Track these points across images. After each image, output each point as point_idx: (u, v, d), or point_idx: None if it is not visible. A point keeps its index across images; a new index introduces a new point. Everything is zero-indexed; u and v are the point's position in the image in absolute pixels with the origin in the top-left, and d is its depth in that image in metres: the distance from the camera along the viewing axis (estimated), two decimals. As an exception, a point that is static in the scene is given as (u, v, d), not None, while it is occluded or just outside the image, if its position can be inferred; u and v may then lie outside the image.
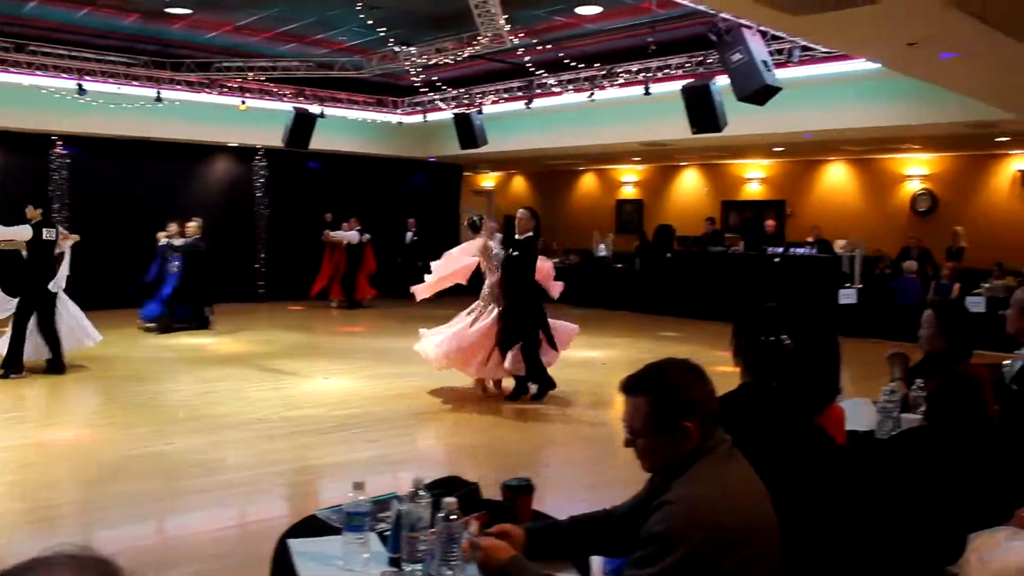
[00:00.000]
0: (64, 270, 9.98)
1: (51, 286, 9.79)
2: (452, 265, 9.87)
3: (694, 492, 2.11)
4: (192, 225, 13.77)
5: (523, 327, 8.96)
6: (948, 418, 3.64)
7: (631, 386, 2.25)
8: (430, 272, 10.12)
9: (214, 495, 5.74)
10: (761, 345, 2.96)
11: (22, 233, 9.71)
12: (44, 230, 9.80)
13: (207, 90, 15.09)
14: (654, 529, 2.07)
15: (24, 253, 9.77)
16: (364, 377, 10.05)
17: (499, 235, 9.64)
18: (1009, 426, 3.88)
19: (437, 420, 8.28)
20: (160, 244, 13.78)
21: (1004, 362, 4.49)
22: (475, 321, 9.16)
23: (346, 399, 8.84)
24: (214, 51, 14.36)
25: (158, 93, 14.34)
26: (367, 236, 17.66)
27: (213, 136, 16.85)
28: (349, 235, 17.43)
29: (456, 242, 21.96)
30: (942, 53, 7.95)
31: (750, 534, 2.10)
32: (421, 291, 9.80)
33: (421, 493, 2.34)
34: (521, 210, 9.43)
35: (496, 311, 9.05)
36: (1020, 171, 15.36)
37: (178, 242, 13.66)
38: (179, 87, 14.77)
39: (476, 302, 9.42)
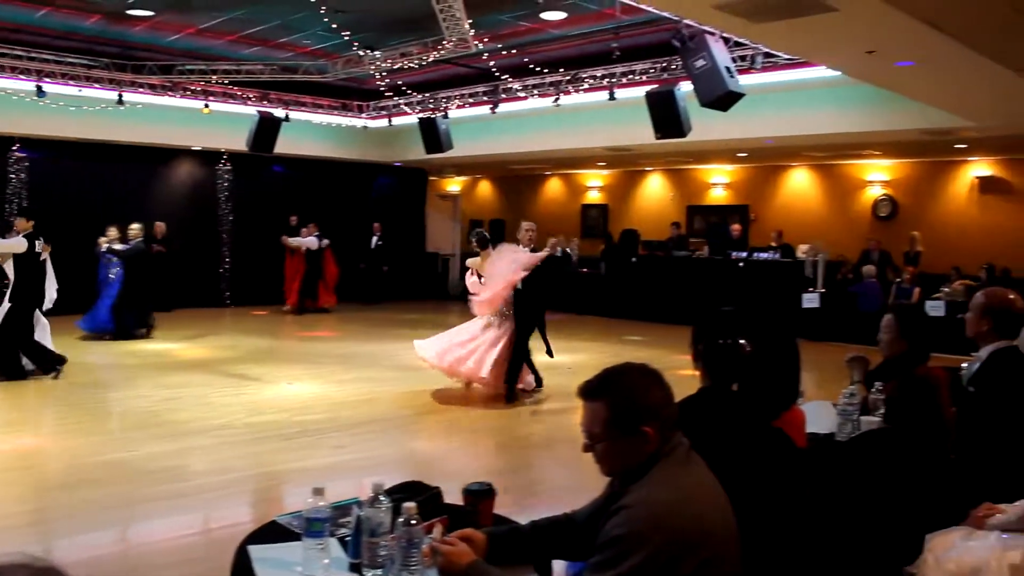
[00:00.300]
0: (52, 283, 9.87)
1: (48, 303, 9.83)
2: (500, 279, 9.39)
3: (652, 496, 2.12)
4: (135, 228, 13.27)
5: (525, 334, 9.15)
6: (905, 420, 3.70)
7: (589, 391, 2.26)
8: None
9: (177, 502, 5.68)
10: (720, 349, 2.99)
11: (18, 245, 9.61)
12: (36, 242, 9.73)
13: (170, 93, 14.96)
14: (612, 533, 2.08)
15: (8, 266, 9.62)
16: (329, 382, 10.00)
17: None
18: (966, 428, 3.94)
19: (402, 425, 8.26)
20: (100, 250, 13.19)
21: (962, 365, 4.55)
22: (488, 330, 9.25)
23: (310, 404, 8.79)
24: (176, 54, 14.23)
25: (120, 96, 14.21)
26: (326, 241, 17.43)
27: (176, 139, 16.69)
28: (307, 241, 17.19)
29: (421, 247, 22.01)
30: (899, 61, 8.07)
31: (708, 537, 2.11)
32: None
33: (381, 498, 2.33)
34: (530, 224, 9.84)
35: (510, 326, 9.14)
36: (978, 178, 15.60)
37: (119, 247, 13.08)
38: (141, 90, 14.63)
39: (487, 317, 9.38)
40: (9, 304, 9.63)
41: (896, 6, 6.10)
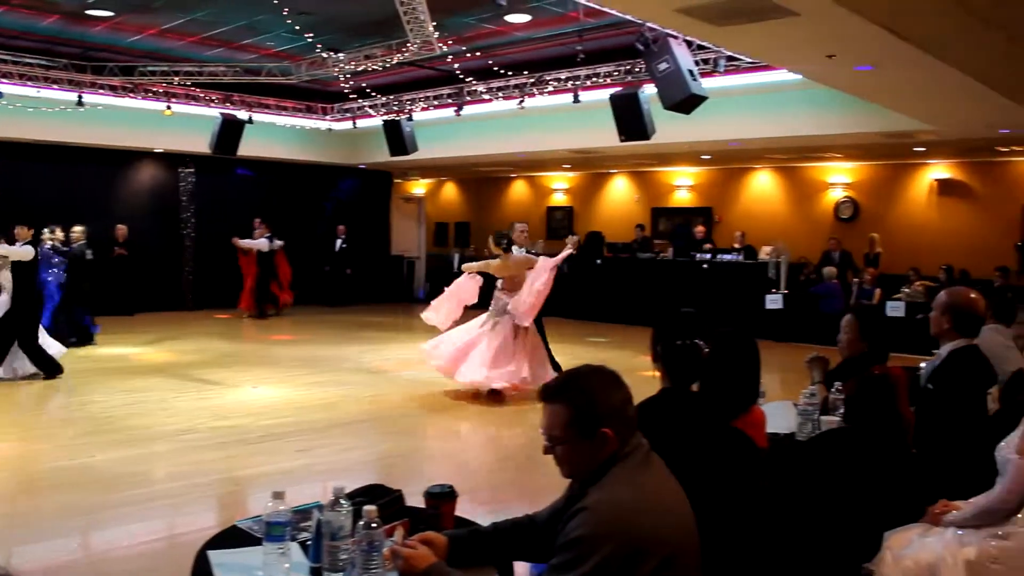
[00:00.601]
0: None
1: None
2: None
3: (610, 498, 2.13)
4: (77, 231, 12.92)
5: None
6: (864, 419, 3.74)
7: (549, 394, 2.27)
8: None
9: (138, 508, 5.61)
10: (678, 350, 3.00)
11: (26, 254, 9.71)
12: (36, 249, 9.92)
13: (131, 94, 14.78)
14: (571, 535, 2.09)
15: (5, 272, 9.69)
16: (293, 385, 9.92)
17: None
18: (924, 426, 4.00)
19: (366, 428, 8.22)
20: (44, 248, 12.17)
21: (921, 364, 4.62)
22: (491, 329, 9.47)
23: (275, 408, 8.72)
24: (138, 55, 14.08)
25: (79, 97, 14.00)
26: (279, 243, 17.07)
27: (138, 142, 16.50)
28: (258, 243, 16.79)
29: (386, 250, 21.94)
30: (858, 65, 8.17)
31: (667, 538, 2.13)
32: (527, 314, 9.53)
33: (342, 502, 2.32)
34: (523, 224, 10.20)
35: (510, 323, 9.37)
36: (937, 180, 15.82)
37: (62, 247, 12.54)
38: (101, 91, 14.43)
39: (486, 314, 9.66)
40: (8, 309, 9.70)
41: (855, 11, 6.18)
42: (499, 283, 9.75)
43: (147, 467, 6.55)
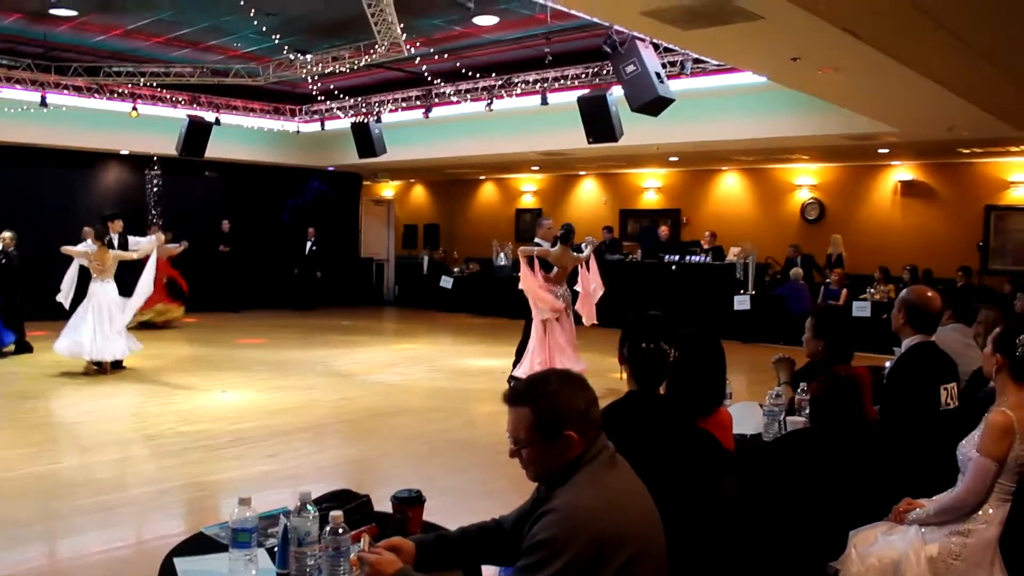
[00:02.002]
0: None
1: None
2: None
3: (576, 500, 2.15)
4: (7, 236, 12.27)
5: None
6: (829, 419, 3.78)
7: (514, 397, 2.28)
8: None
9: (105, 515, 5.55)
10: (644, 352, 3.02)
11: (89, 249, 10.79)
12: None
13: (96, 95, 14.63)
14: (538, 537, 2.10)
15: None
16: (262, 390, 9.85)
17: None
18: (886, 424, 4.05)
19: (335, 432, 8.19)
20: None
21: (886, 363, 4.68)
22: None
23: (243, 413, 8.67)
24: (103, 55, 13.93)
25: (43, 97, 13.84)
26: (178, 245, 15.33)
27: (103, 143, 16.35)
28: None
29: (356, 252, 21.86)
30: (822, 68, 8.26)
31: (632, 540, 2.14)
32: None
33: (308, 507, 2.32)
34: (550, 219, 10.31)
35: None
36: (901, 181, 16.02)
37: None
38: (66, 91, 14.28)
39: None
40: None
41: (818, 15, 6.25)
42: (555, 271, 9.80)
43: (113, 473, 6.49)
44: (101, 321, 10.51)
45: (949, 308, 5.38)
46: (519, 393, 2.27)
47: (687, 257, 16.00)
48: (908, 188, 15.98)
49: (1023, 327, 3.62)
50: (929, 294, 4.23)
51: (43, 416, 8.49)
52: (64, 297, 10.95)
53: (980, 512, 3.39)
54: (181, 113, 15.31)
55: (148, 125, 15.58)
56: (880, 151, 14.61)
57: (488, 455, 7.38)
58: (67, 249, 10.90)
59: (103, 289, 10.76)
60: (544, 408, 2.22)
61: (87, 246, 10.87)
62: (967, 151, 14.33)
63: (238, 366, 11.51)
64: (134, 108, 14.96)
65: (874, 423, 4.08)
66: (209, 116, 15.54)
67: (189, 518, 5.75)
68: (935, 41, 6.86)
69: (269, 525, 2.62)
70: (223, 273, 17.71)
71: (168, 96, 15.42)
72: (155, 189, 17.81)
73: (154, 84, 14.52)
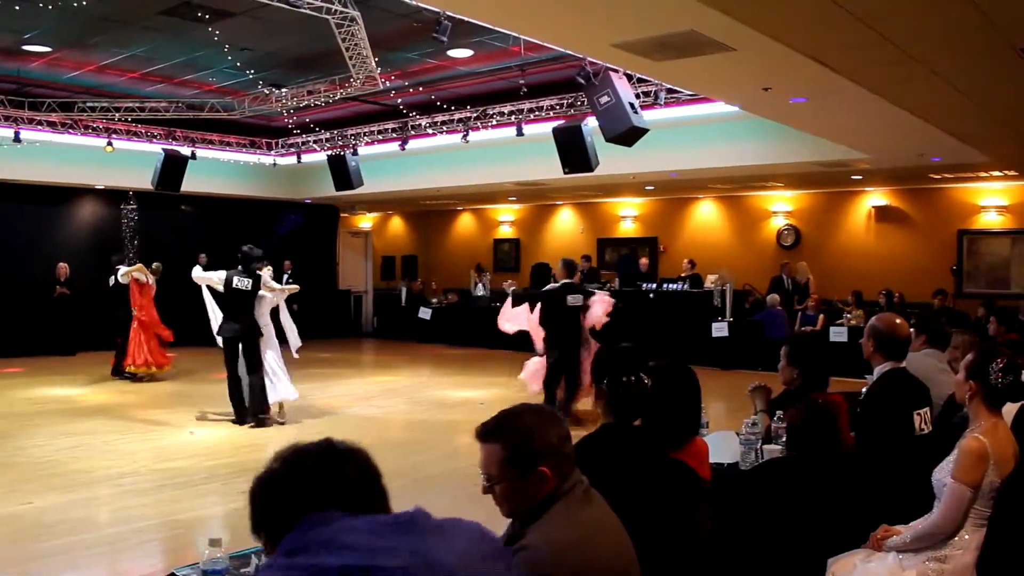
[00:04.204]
0: None
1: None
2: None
3: (550, 536, 2.14)
4: None
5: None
6: (806, 447, 3.79)
7: (486, 433, 2.27)
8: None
9: (76, 556, 5.47)
10: (625, 386, 3.02)
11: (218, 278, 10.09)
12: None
13: (70, 131, 14.58)
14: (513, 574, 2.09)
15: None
16: (239, 425, 9.73)
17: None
18: (862, 451, 4.06)
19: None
20: None
21: (862, 388, 4.70)
22: None
23: (219, 449, 8.58)
24: (77, 90, 13.89)
25: (16, 133, 13.77)
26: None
27: (78, 178, 16.26)
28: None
29: (333, 284, 21.79)
30: (793, 97, 8.35)
31: (607, 574, 2.14)
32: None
33: (281, 547, 2.28)
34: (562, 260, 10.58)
35: None
36: (875, 207, 16.17)
37: None
38: (40, 127, 14.23)
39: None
40: None
41: (790, 46, 6.33)
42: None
43: (86, 512, 6.39)
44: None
45: (923, 333, 5.42)
46: (490, 429, 2.26)
47: (665, 285, 16.05)
48: (882, 213, 16.14)
49: (995, 354, 3.66)
50: (897, 321, 4.26)
51: (17, 454, 8.36)
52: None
53: (956, 538, 3.41)
54: (156, 147, 15.26)
55: (123, 159, 15.53)
56: (853, 177, 14.75)
57: (468, 488, 7.32)
58: (278, 288, 10.41)
59: None
60: (516, 444, 2.21)
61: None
62: (939, 177, 14.50)
63: (214, 401, 11.35)
64: (109, 143, 14.91)
65: (851, 450, 4.09)
66: (185, 150, 15.50)
67: (164, 557, 5.68)
68: (905, 71, 6.96)
69: (240, 565, 2.59)
70: (201, 307, 17.55)
71: (143, 131, 15.39)
72: (131, 223, 17.70)
73: (129, 119, 14.49)
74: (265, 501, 1.75)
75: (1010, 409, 4.00)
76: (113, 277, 13.28)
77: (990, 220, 15.14)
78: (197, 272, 10.31)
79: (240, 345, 9.81)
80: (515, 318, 10.76)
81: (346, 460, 1.85)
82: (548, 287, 10.36)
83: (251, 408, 9.69)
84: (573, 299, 10.06)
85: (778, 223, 17.32)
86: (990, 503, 3.38)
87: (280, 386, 9.86)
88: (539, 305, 10.22)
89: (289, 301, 10.25)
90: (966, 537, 3.39)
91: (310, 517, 1.62)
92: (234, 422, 9.72)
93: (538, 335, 10.26)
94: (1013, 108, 8.64)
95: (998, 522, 3.35)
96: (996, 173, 13.95)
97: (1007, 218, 15.00)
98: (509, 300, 11.14)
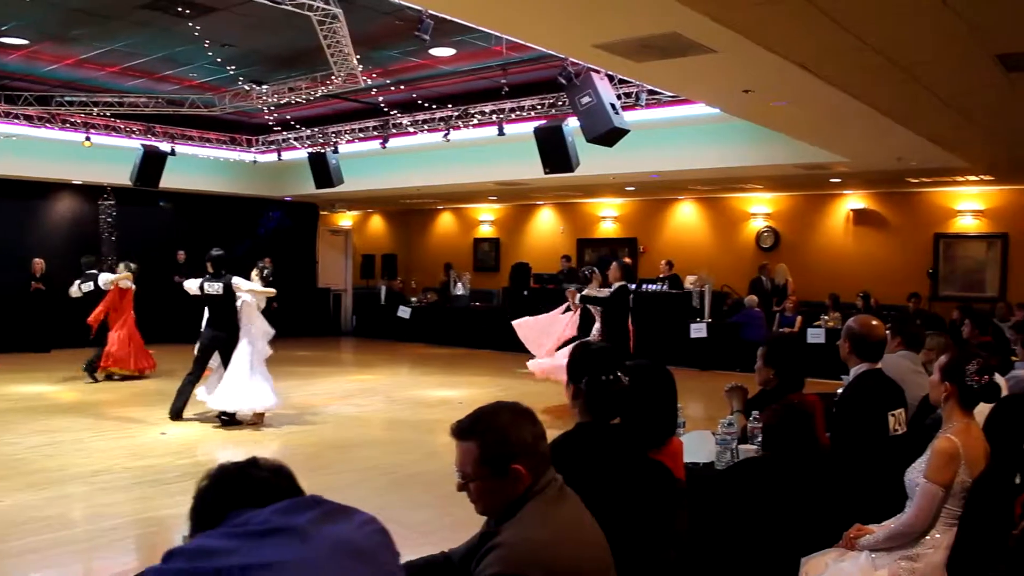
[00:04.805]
0: None
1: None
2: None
3: (524, 534, 2.14)
4: None
5: None
6: (780, 447, 3.82)
7: (461, 431, 2.28)
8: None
9: (49, 554, 5.42)
10: (605, 385, 3.02)
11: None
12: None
13: (48, 125, 14.46)
14: (485, 572, 2.09)
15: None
16: (216, 422, 9.67)
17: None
18: (837, 451, 4.10)
19: (291, 465, 7.91)
20: None
21: (838, 389, 4.74)
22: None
23: (195, 446, 8.55)
24: (55, 84, 13.77)
25: (-7, 127, 13.67)
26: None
27: (55, 173, 16.12)
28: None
29: (313, 282, 21.72)
30: (774, 100, 8.40)
31: (581, 573, 2.15)
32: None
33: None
34: (614, 263, 10.77)
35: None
36: (852, 210, 16.30)
37: None
38: (16, 121, 14.10)
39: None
40: None
41: (770, 50, 6.37)
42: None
43: (59, 510, 6.33)
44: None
45: (899, 336, 5.48)
46: (465, 427, 2.27)
47: (644, 286, 16.08)
48: (860, 216, 16.26)
49: (970, 356, 3.70)
50: (873, 323, 4.31)
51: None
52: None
53: (928, 537, 3.45)
54: (135, 143, 15.17)
55: (101, 155, 15.42)
56: (832, 180, 14.85)
57: (447, 487, 7.33)
58: (257, 290, 9.83)
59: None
60: (491, 442, 2.23)
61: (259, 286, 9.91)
62: (916, 180, 14.62)
63: (190, 399, 11.33)
64: (87, 138, 14.79)
65: (826, 450, 4.13)
66: (164, 146, 15.42)
67: (138, 555, 5.64)
68: (884, 76, 7.01)
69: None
70: (178, 304, 17.46)
71: (122, 126, 15.28)
72: (109, 219, 17.59)
73: (107, 114, 14.39)
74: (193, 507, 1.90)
75: (982, 410, 4.04)
76: (92, 283, 13.01)
77: (966, 224, 15.29)
78: (186, 284, 10.22)
79: (214, 351, 9.81)
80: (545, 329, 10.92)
81: (260, 467, 1.97)
82: (615, 287, 10.44)
83: (175, 403, 9.76)
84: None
85: (757, 225, 17.41)
86: (961, 503, 3.43)
87: (262, 393, 9.59)
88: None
89: (269, 299, 10.17)
90: (937, 536, 3.44)
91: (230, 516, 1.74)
92: (173, 417, 9.71)
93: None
94: (990, 114, 8.73)
95: (969, 521, 3.39)
96: (972, 178, 14.09)
97: (983, 222, 15.16)
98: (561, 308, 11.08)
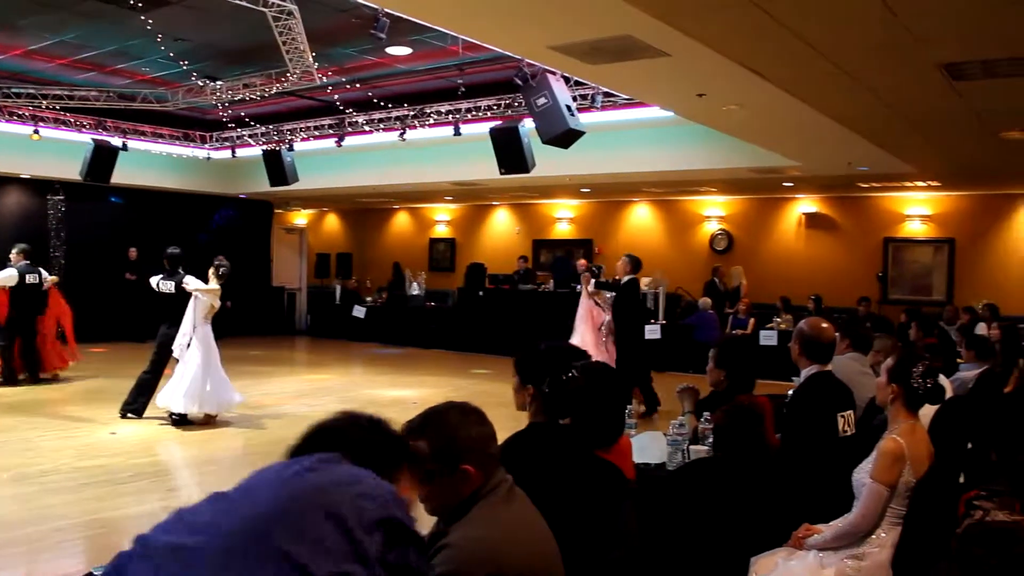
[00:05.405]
0: None
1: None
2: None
3: (473, 534, 2.15)
4: None
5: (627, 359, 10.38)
6: (730, 448, 3.86)
7: (410, 431, 2.27)
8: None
9: (-7, 554, 5.33)
10: (565, 383, 3.04)
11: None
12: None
13: (-6, 117, 14.19)
14: (434, 572, 2.09)
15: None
16: (166, 422, 9.53)
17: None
18: (787, 451, 4.16)
19: (243, 465, 8.01)
20: None
21: (788, 391, 4.80)
22: None
23: (146, 446, 8.43)
24: (2, 75, 13.49)
25: (-63, 119, 13.36)
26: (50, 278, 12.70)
27: (2, 167, 15.79)
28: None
29: (267, 281, 21.53)
30: (727, 105, 8.49)
31: (530, 573, 2.15)
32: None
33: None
34: (624, 256, 11.04)
35: None
36: (804, 214, 16.51)
37: None
38: (-38, 113, 13.83)
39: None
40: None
41: (723, 54, 6.43)
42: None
43: (5, 510, 6.21)
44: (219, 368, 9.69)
45: (847, 338, 5.57)
46: (415, 427, 2.27)
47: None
48: (811, 220, 16.48)
49: (916, 358, 3.77)
50: (823, 325, 4.37)
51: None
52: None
53: (873, 536, 3.51)
54: (86, 137, 14.91)
55: (51, 148, 15.13)
56: (785, 184, 15.04)
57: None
58: (202, 288, 9.57)
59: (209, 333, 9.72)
60: (440, 442, 2.23)
61: (215, 285, 9.66)
62: (866, 185, 14.85)
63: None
64: (35, 131, 14.50)
65: (775, 451, 4.18)
66: (116, 141, 15.17)
67: (85, 556, 5.55)
68: (835, 83, 7.12)
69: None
70: (129, 302, 17.21)
71: (72, 119, 15.02)
72: (58, 215, 17.27)
73: (57, 107, 14.13)
74: None
75: (927, 412, 4.12)
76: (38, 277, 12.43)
77: (914, 228, 15.56)
78: (151, 280, 10.03)
79: (170, 350, 9.67)
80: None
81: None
82: (625, 280, 10.72)
83: (129, 404, 9.64)
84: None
85: (711, 227, 17.57)
86: (906, 502, 3.49)
87: (211, 396, 9.44)
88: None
89: (223, 297, 10.04)
90: (882, 535, 3.50)
91: None
92: (126, 414, 9.59)
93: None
94: (936, 122, 8.90)
95: (913, 520, 3.46)
96: (920, 183, 14.35)
97: (930, 227, 15.44)
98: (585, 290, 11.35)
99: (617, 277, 10.89)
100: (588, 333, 10.83)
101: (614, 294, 10.82)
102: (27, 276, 11.83)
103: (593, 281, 10.94)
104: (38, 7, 10.11)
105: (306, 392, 12.15)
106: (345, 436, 1.86)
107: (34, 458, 7.77)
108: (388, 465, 1.79)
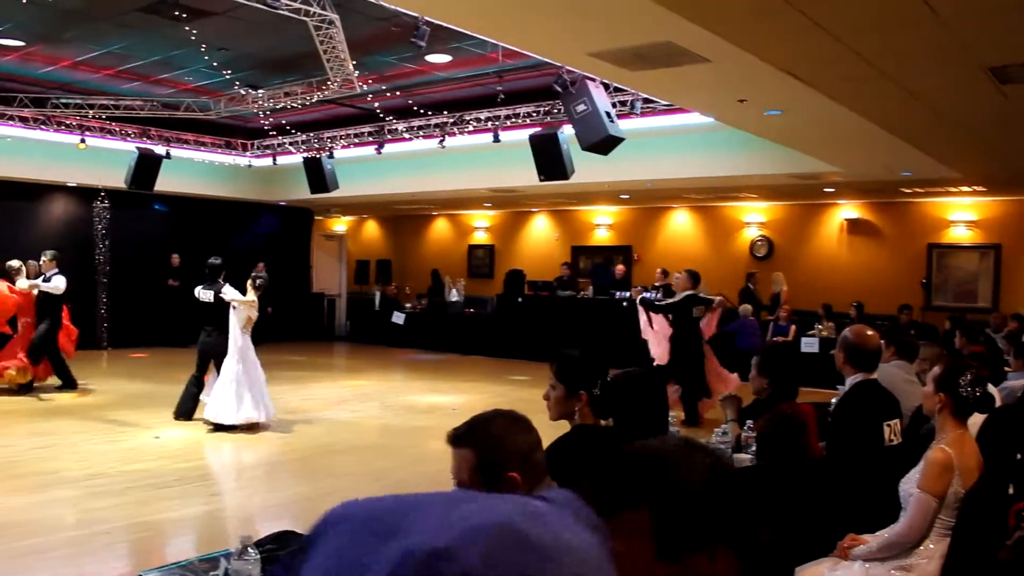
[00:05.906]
0: None
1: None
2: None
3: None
4: None
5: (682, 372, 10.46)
6: (774, 456, 3.82)
7: (456, 439, 2.28)
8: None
9: (40, 557, 5.40)
10: (609, 388, 3.03)
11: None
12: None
13: (43, 127, 14.44)
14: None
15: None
16: (208, 426, 9.64)
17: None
18: (832, 460, 4.11)
19: (284, 470, 8.08)
20: None
21: (832, 399, 4.74)
22: None
23: (189, 451, 8.52)
24: (50, 86, 13.74)
25: (-12, 129, 13.64)
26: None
27: (50, 175, 16.06)
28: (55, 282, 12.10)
29: (307, 287, 21.69)
30: (768, 110, 8.43)
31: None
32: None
33: (250, 550, 2.29)
34: (684, 271, 11.22)
35: None
36: (846, 220, 16.33)
37: None
38: (11, 122, 14.07)
39: None
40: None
41: (764, 60, 6.38)
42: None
43: (50, 514, 6.31)
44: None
45: (892, 345, 5.49)
46: (461, 434, 2.27)
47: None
48: (853, 226, 16.30)
49: (964, 367, 3.71)
50: (868, 333, 4.31)
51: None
52: None
53: (921, 547, 3.45)
54: (130, 146, 15.15)
55: (96, 157, 15.40)
56: (826, 190, 14.89)
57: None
58: (239, 299, 9.60)
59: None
60: (486, 450, 2.22)
61: (252, 296, 9.71)
62: (909, 191, 14.66)
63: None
64: (82, 140, 14.78)
65: (819, 459, 4.13)
66: (159, 149, 15.40)
67: (131, 559, 5.63)
68: (877, 87, 7.04)
69: (210, 568, 2.58)
70: (172, 308, 17.44)
71: (117, 128, 15.26)
72: (103, 222, 17.54)
73: (103, 116, 14.37)
74: None
75: (975, 421, 4.05)
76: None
77: (959, 235, 15.33)
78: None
79: (209, 357, 9.91)
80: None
81: None
82: (677, 298, 10.78)
83: (178, 408, 9.99)
84: (697, 311, 10.65)
85: (751, 234, 17.44)
86: (954, 513, 3.43)
87: (245, 407, 9.39)
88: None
89: (264, 303, 10.13)
90: (931, 546, 3.44)
91: None
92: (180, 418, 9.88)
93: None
94: (982, 126, 8.77)
95: (962, 532, 3.40)
96: (965, 189, 14.14)
97: (975, 233, 15.20)
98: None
99: (675, 291, 11.02)
100: (656, 346, 10.99)
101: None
102: None
103: (640, 297, 11.24)
104: (84, 19, 10.31)
105: (347, 398, 12.23)
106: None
107: (80, 461, 7.90)
108: None
